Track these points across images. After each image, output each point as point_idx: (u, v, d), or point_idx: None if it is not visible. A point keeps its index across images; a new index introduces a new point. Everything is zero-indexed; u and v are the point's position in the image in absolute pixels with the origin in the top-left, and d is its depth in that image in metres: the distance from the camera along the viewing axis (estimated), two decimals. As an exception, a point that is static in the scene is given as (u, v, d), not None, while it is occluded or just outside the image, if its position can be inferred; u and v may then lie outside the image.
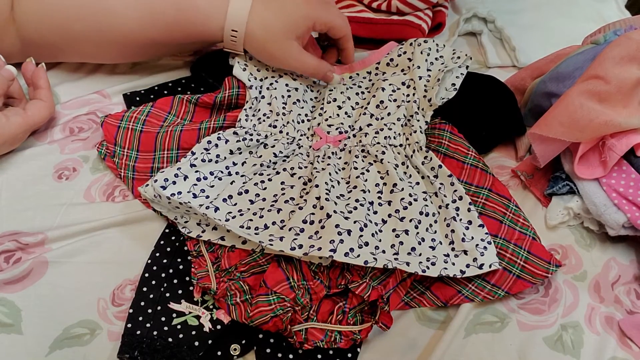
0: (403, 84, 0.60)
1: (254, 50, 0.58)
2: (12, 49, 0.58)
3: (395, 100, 0.59)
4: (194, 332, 0.47)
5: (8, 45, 0.58)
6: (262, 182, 0.54)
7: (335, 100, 0.61)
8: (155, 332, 0.47)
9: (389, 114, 0.59)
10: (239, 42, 0.57)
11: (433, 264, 0.48)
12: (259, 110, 0.59)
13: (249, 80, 0.60)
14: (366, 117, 0.60)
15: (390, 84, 0.60)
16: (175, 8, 0.55)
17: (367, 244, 0.47)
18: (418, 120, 0.58)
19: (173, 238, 0.52)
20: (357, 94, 0.62)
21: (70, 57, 0.62)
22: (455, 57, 0.62)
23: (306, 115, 0.60)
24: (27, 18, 0.57)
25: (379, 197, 0.53)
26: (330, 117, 0.59)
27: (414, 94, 0.59)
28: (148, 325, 0.47)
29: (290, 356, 0.46)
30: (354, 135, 0.59)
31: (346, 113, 0.60)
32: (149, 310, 0.48)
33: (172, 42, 0.58)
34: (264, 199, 0.53)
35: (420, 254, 0.48)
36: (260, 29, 0.55)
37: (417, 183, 0.54)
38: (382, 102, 0.59)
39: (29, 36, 0.58)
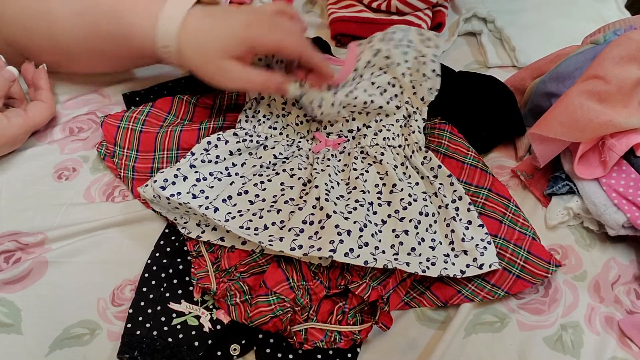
0: (389, 83, 0.59)
1: (190, 67, 0.52)
2: (2, 48, 0.58)
3: (373, 101, 0.57)
4: (193, 332, 0.47)
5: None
6: (262, 182, 0.54)
7: (328, 114, 0.58)
8: (155, 332, 0.47)
9: (387, 115, 0.58)
10: (174, 58, 0.52)
11: (433, 264, 0.48)
12: (259, 111, 0.59)
13: None
14: (362, 115, 0.59)
15: (372, 83, 0.58)
16: (107, 22, 0.51)
17: (366, 244, 0.47)
18: (416, 120, 0.58)
19: (173, 238, 0.52)
20: (351, 91, 0.60)
21: (45, 62, 0.60)
22: (425, 39, 0.60)
23: (305, 116, 0.60)
24: (4, 22, 0.56)
25: (379, 198, 0.53)
26: (326, 126, 0.59)
27: (402, 93, 0.59)
28: (148, 325, 0.47)
29: (290, 356, 0.46)
30: (353, 137, 0.59)
31: (343, 117, 0.59)
32: (149, 311, 0.48)
33: (119, 56, 0.55)
34: (263, 200, 0.53)
35: (420, 254, 0.48)
36: (192, 46, 0.50)
37: (417, 183, 0.54)
38: (365, 103, 0.57)
39: (9, 39, 0.57)
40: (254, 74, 0.51)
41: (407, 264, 0.47)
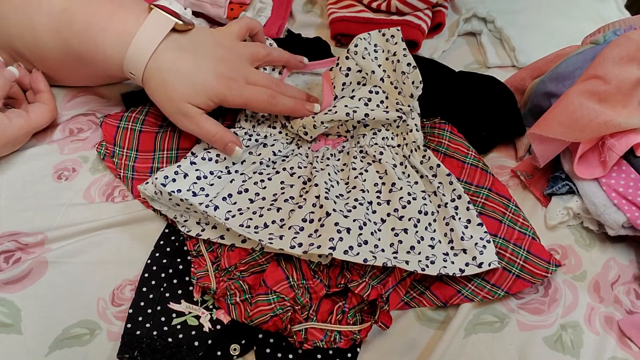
0: (370, 92, 0.57)
1: (152, 98, 0.52)
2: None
3: (372, 111, 0.56)
4: (193, 332, 0.47)
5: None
6: (262, 181, 0.54)
7: (322, 123, 0.57)
8: (155, 332, 0.47)
9: (376, 123, 0.58)
10: (138, 85, 0.52)
11: (432, 262, 0.48)
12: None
13: None
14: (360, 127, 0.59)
15: (360, 99, 0.57)
16: (78, 41, 0.50)
17: (366, 242, 0.47)
18: (413, 119, 0.58)
19: (173, 238, 0.52)
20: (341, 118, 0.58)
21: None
22: (388, 37, 0.58)
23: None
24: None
25: (378, 197, 0.53)
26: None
27: (387, 98, 0.57)
28: (148, 325, 0.47)
29: (290, 356, 0.46)
30: (352, 137, 0.59)
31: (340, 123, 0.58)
32: (149, 311, 0.48)
33: (90, 74, 0.56)
34: (263, 198, 0.53)
35: (419, 253, 0.48)
36: (156, 84, 0.50)
37: (416, 182, 0.54)
38: (364, 118, 0.56)
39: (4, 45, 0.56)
40: (208, 126, 0.52)
41: (407, 262, 0.47)
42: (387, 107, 0.57)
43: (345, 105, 0.56)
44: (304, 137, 0.57)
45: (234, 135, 0.53)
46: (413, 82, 0.56)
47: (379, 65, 0.58)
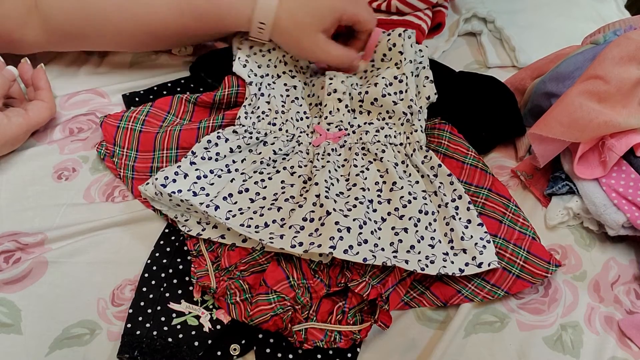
0: (395, 78, 0.60)
1: (282, 41, 0.59)
2: (37, 38, 0.59)
3: (389, 94, 0.58)
4: (193, 332, 0.47)
5: (32, 36, 0.58)
6: (262, 180, 0.54)
7: (335, 91, 0.60)
8: (155, 332, 0.47)
9: (387, 111, 0.59)
10: (266, 33, 0.58)
11: (432, 262, 0.48)
12: (258, 107, 0.59)
13: (249, 77, 0.60)
14: (363, 115, 0.60)
15: (383, 77, 0.60)
16: (205, 2, 0.57)
17: (366, 241, 0.47)
18: (419, 120, 0.58)
19: (173, 238, 0.52)
20: (354, 88, 0.61)
21: (100, 46, 0.63)
22: (417, 50, 0.63)
23: (305, 112, 0.60)
24: (56, 10, 0.57)
25: (379, 196, 0.53)
26: (330, 112, 0.59)
27: (407, 91, 0.59)
28: (148, 325, 0.47)
29: (290, 356, 0.46)
30: (354, 132, 0.59)
31: (346, 106, 0.59)
32: (149, 310, 0.48)
33: (202, 32, 0.60)
34: (264, 198, 0.53)
35: (419, 252, 0.48)
36: (287, 22, 0.57)
37: (417, 182, 0.54)
38: (376, 99, 0.59)
39: (58, 27, 0.58)
40: (336, 49, 0.59)
41: (406, 261, 0.47)
42: (402, 99, 0.59)
43: (376, 85, 0.60)
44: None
45: (355, 53, 0.61)
46: (428, 97, 0.60)
47: (411, 62, 0.61)
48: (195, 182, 0.52)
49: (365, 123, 0.59)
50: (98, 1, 0.57)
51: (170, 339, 0.46)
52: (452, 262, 0.49)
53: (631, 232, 0.52)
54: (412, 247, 0.49)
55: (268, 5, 0.56)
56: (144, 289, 0.49)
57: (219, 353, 0.47)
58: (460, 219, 0.52)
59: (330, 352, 0.47)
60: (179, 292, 0.49)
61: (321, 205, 0.49)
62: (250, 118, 0.58)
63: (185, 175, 0.52)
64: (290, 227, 0.48)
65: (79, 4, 0.57)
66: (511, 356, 0.48)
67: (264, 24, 0.57)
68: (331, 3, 0.57)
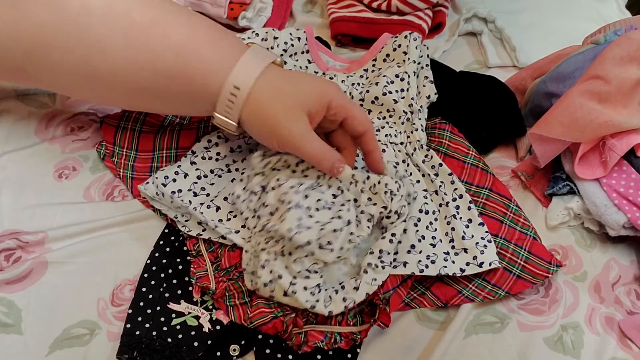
0: (397, 76, 0.59)
1: (255, 120, 0.47)
2: None
3: (390, 92, 0.58)
4: (193, 333, 0.47)
5: None
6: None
7: None
8: (154, 333, 0.46)
9: (387, 110, 0.58)
10: (237, 105, 0.46)
11: (433, 262, 0.48)
12: None
13: None
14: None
15: (384, 76, 0.59)
16: (175, 52, 0.46)
17: None
18: (419, 119, 0.58)
19: (172, 238, 0.52)
20: (355, 89, 0.61)
21: (41, 84, 0.53)
22: (421, 53, 0.62)
23: None
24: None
25: None
26: None
27: (408, 89, 0.59)
28: (147, 325, 0.47)
29: (290, 357, 0.46)
30: None
31: None
32: (148, 311, 0.48)
33: (167, 95, 0.48)
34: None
35: (420, 252, 0.48)
36: (268, 90, 0.46)
37: (418, 181, 0.54)
38: (376, 98, 0.58)
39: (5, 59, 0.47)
40: (318, 142, 0.47)
41: (405, 264, 0.47)
42: (403, 97, 0.58)
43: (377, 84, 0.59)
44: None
45: (339, 155, 0.48)
46: (428, 96, 0.59)
47: (417, 63, 0.60)
48: (196, 182, 0.52)
49: None
50: (39, 36, 0.45)
51: (169, 339, 0.46)
52: (453, 262, 0.49)
53: (632, 233, 0.52)
54: (413, 246, 0.49)
55: (250, 69, 0.46)
56: (144, 289, 0.49)
57: (218, 353, 0.47)
58: (461, 218, 0.52)
59: (330, 352, 0.46)
60: (179, 292, 0.49)
61: None
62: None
63: (186, 175, 0.52)
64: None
65: (17, 36, 0.45)
66: (511, 357, 0.48)
67: (238, 90, 0.45)
68: (322, 86, 0.47)
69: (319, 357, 0.46)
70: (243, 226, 0.50)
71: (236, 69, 0.46)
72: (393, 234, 0.47)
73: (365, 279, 0.45)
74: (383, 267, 0.46)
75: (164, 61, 0.46)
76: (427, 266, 0.47)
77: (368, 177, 0.49)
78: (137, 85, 0.47)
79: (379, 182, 0.48)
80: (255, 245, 0.47)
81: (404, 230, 0.49)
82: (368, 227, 0.47)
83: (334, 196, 0.48)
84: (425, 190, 0.53)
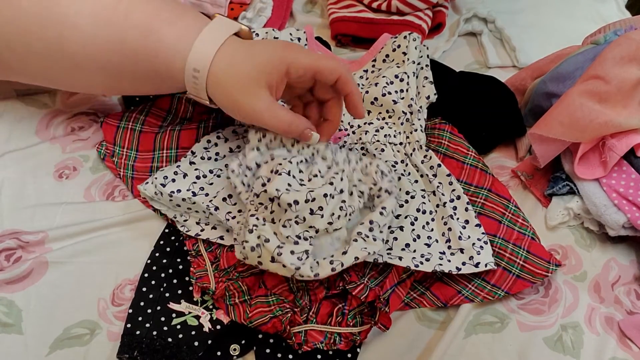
0: (396, 77, 0.59)
1: (219, 97, 0.47)
2: None
3: (389, 93, 0.58)
4: (193, 332, 0.47)
5: None
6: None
7: None
8: (154, 332, 0.47)
9: (387, 111, 0.59)
10: (201, 85, 0.46)
11: (427, 260, 0.48)
12: None
13: None
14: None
15: (383, 76, 0.59)
16: (138, 32, 0.46)
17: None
18: (419, 119, 0.58)
19: (172, 238, 0.52)
20: None
21: (24, 77, 0.53)
22: (421, 53, 0.62)
23: None
24: None
25: None
26: None
27: (407, 90, 0.59)
28: (147, 325, 0.47)
29: (290, 356, 0.46)
30: (354, 132, 0.59)
31: None
32: (149, 310, 0.48)
33: (136, 74, 0.49)
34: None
35: (414, 250, 0.49)
36: (225, 70, 0.46)
37: (416, 181, 0.54)
38: (376, 98, 0.59)
39: None
40: (282, 111, 0.46)
41: (400, 258, 0.47)
42: (402, 97, 0.58)
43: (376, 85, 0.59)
44: None
45: (308, 122, 0.48)
46: (428, 97, 0.59)
47: (415, 62, 0.61)
48: (195, 182, 0.52)
49: (365, 123, 0.59)
50: (18, 25, 0.47)
51: (170, 339, 0.46)
52: (449, 261, 0.49)
53: (631, 233, 0.52)
54: (407, 245, 0.49)
55: (206, 47, 0.45)
56: (144, 289, 0.49)
57: (218, 353, 0.47)
58: (458, 219, 0.52)
59: (330, 352, 0.47)
60: (179, 292, 0.49)
61: None
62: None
63: (185, 175, 0.52)
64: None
65: (9, 19, 0.46)
66: (511, 357, 0.48)
67: (198, 72, 0.46)
68: (278, 52, 0.46)
69: (319, 356, 0.46)
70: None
71: (194, 49, 0.46)
72: (384, 207, 0.47)
73: (354, 246, 0.44)
74: (374, 239, 0.45)
75: (129, 40, 0.46)
76: (421, 262, 0.47)
77: (361, 158, 0.49)
78: (107, 64, 0.48)
79: (370, 164, 0.48)
80: (246, 213, 0.46)
81: (401, 228, 0.49)
82: (359, 200, 0.47)
83: (328, 168, 0.48)
84: (423, 190, 0.54)
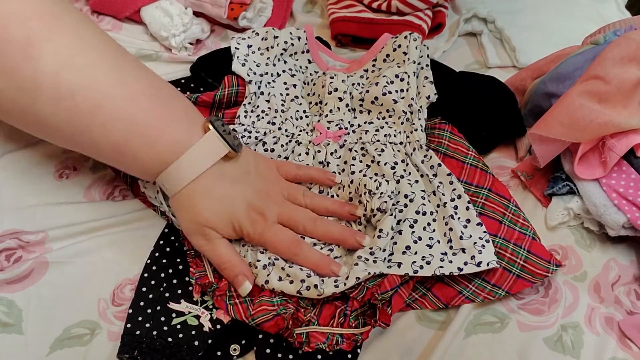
0: (397, 76, 0.59)
1: (176, 212, 0.49)
2: None
3: (390, 92, 0.58)
4: (193, 332, 0.47)
5: None
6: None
7: (336, 90, 0.60)
8: (154, 332, 0.47)
9: (387, 110, 0.59)
10: (164, 194, 0.49)
11: (428, 262, 0.48)
12: (258, 106, 0.59)
13: (248, 75, 0.60)
14: (364, 114, 0.60)
15: (384, 76, 0.59)
16: (113, 148, 0.46)
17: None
18: (419, 119, 0.58)
19: (172, 238, 0.52)
20: (355, 89, 0.62)
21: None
22: (421, 53, 0.62)
23: (304, 111, 0.60)
24: None
25: None
26: (331, 110, 0.59)
27: (408, 90, 0.59)
28: (148, 325, 0.47)
29: (290, 356, 0.46)
30: (354, 132, 0.59)
31: (347, 105, 0.60)
32: (149, 310, 0.48)
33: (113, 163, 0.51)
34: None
35: (415, 253, 0.48)
36: (183, 200, 0.47)
37: (416, 181, 0.54)
38: (376, 98, 0.59)
39: None
40: (223, 251, 0.48)
41: (399, 264, 0.47)
42: (402, 97, 0.58)
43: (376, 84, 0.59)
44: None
45: (246, 267, 0.48)
46: (428, 97, 0.60)
47: (415, 62, 0.61)
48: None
49: (365, 122, 0.59)
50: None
51: (170, 339, 0.46)
52: (451, 262, 0.49)
53: (632, 233, 0.52)
54: (408, 247, 0.49)
55: (181, 174, 0.46)
56: (144, 289, 0.49)
57: (219, 353, 0.47)
58: (459, 218, 0.52)
59: (331, 352, 0.47)
60: (179, 292, 0.49)
61: None
62: (250, 117, 0.58)
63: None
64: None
65: None
66: (511, 357, 0.48)
67: (166, 188, 0.47)
68: (238, 217, 0.47)
69: (319, 357, 0.46)
70: None
71: (171, 169, 0.46)
72: (380, 230, 0.48)
73: (355, 270, 0.46)
74: (375, 262, 0.46)
75: (105, 151, 0.47)
76: (421, 267, 0.47)
77: (352, 181, 0.51)
78: (88, 153, 0.50)
79: (359, 185, 0.51)
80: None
81: (400, 232, 0.50)
82: (358, 227, 0.49)
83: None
84: (423, 190, 0.54)
